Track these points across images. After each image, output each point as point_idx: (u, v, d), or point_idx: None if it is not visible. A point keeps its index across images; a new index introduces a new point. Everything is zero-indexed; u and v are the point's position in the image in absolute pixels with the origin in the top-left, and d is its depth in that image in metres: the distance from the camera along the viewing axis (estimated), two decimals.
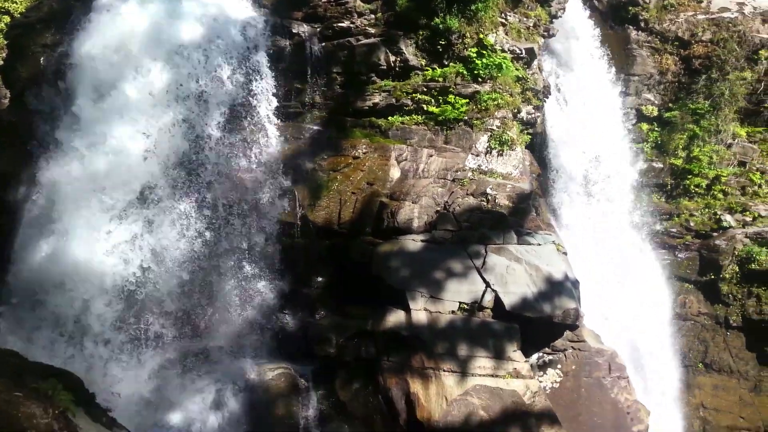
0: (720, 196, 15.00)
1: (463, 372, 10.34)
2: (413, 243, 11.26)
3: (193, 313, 11.10)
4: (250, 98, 11.52)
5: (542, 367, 11.45)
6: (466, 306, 10.69)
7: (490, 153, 12.08)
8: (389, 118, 12.20)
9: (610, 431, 11.49)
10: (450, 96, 12.03)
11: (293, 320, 11.55)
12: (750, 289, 14.60)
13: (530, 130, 13.06)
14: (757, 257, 14.23)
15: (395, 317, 10.73)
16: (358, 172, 11.92)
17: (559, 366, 11.52)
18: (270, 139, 11.68)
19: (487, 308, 10.68)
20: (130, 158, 10.74)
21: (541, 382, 11.20)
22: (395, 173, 11.90)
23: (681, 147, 14.87)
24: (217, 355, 11.18)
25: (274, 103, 11.82)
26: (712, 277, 14.75)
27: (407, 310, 10.67)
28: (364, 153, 12.01)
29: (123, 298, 10.50)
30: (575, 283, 11.17)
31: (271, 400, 10.66)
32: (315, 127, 12.29)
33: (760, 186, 15.23)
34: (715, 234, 14.89)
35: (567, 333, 11.31)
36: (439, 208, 11.60)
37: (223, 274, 11.30)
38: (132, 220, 10.71)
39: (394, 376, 10.51)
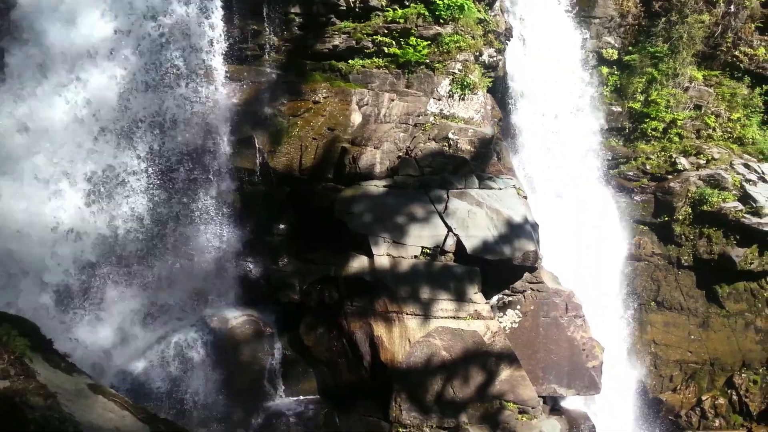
0: (676, 139, 15.24)
1: (426, 315, 10.54)
2: (375, 188, 11.25)
3: (154, 263, 10.95)
4: (203, 39, 11.04)
5: (502, 308, 11.72)
6: (428, 250, 10.80)
7: (452, 97, 12.00)
8: (350, 61, 11.95)
9: (566, 367, 11.92)
10: (411, 38, 11.82)
11: (256, 268, 11.53)
12: (701, 229, 15.07)
13: (492, 74, 12.97)
14: (709, 199, 14.64)
15: (358, 262, 10.80)
16: (319, 117, 11.73)
17: (518, 307, 11.81)
18: (225, 82, 11.32)
19: (449, 252, 10.82)
20: (77, 108, 10.28)
21: (501, 322, 11.49)
22: (357, 118, 11.75)
23: (639, 91, 14.97)
24: (181, 304, 11.13)
25: (228, 45, 11.36)
26: (666, 218, 15.15)
27: (370, 255, 10.74)
28: (325, 97, 11.79)
29: (80, 248, 10.26)
30: (534, 226, 11.36)
31: (235, 347, 10.74)
32: (273, 71, 11.98)
33: (714, 129, 15.53)
34: (670, 177, 15.21)
35: (526, 275, 11.55)
36: (401, 154, 11.56)
37: (183, 223, 11.12)
38: (83, 170, 10.35)
39: (357, 321, 10.66)
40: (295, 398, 11.06)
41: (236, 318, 10.90)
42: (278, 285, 11.20)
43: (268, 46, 11.95)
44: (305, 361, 11.22)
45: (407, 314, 10.51)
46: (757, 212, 14.66)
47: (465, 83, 11.89)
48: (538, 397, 11.22)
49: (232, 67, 11.59)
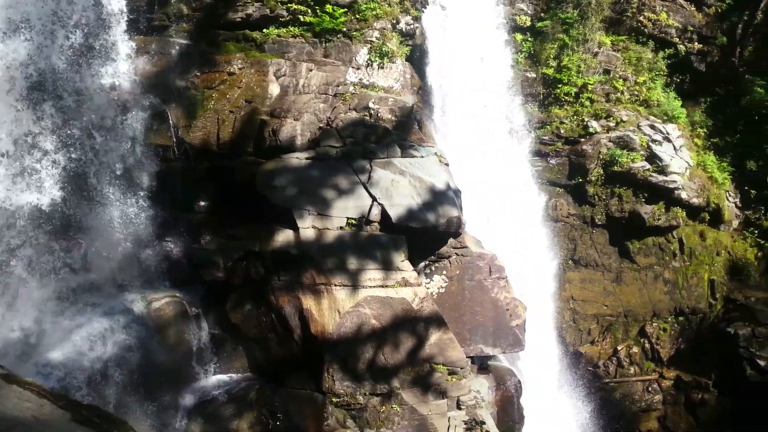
0: (587, 103, 15.82)
1: (354, 285, 10.57)
2: (297, 161, 11.09)
3: (69, 247, 10.39)
4: (106, 9, 10.40)
5: (429, 274, 11.92)
6: (353, 221, 10.79)
7: (371, 66, 11.93)
8: (264, 30, 11.64)
9: (492, 328, 12.31)
10: (327, 5, 11.63)
11: (177, 247, 11.14)
12: (613, 189, 15.82)
13: (410, 42, 12.97)
14: (619, 159, 15.35)
15: (283, 236, 10.67)
16: (235, 89, 11.38)
17: (444, 272, 12.04)
18: (131, 55, 10.74)
19: (375, 222, 10.85)
20: None
21: (428, 288, 11.69)
22: (274, 89, 11.49)
23: (552, 56, 15.39)
24: (101, 288, 10.64)
25: (133, 15, 10.77)
26: (580, 180, 15.79)
27: (295, 228, 10.62)
28: (240, 69, 11.45)
29: None
30: (457, 192, 11.55)
31: (160, 330, 10.40)
32: (183, 41, 11.48)
33: (622, 93, 16.21)
34: (582, 140, 15.81)
35: (451, 240, 11.77)
36: (322, 125, 11.42)
37: (96, 205, 10.58)
38: None
39: (285, 295, 10.56)
40: (225, 377, 10.89)
41: (159, 300, 10.53)
42: (201, 263, 10.90)
43: (175, 15, 11.41)
44: (234, 339, 11.03)
45: (335, 285, 10.50)
46: (662, 171, 15.51)
47: (383, 52, 11.84)
48: (466, 357, 11.55)
49: (139, 38, 11.01)
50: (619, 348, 16.42)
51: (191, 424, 10.17)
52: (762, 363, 15.21)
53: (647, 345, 16.65)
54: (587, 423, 14.73)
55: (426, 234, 11.11)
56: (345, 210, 10.77)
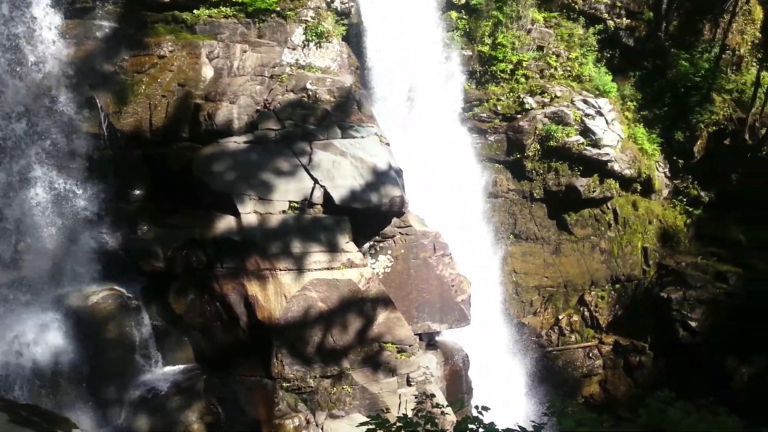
0: (522, 80, 16.06)
1: (300, 269, 10.48)
2: (235, 145, 10.86)
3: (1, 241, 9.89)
4: None
5: (374, 254, 11.94)
6: (296, 204, 10.67)
7: (307, 46, 11.73)
8: (195, 11, 11.25)
9: (438, 304, 12.48)
10: None
11: (113, 238, 10.75)
12: (549, 164, 16.18)
13: (345, 21, 12.80)
14: (555, 134, 15.70)
15: (224, 223, 10.45)
16: (166, 73, 10.99)
17: (389, 252, 12.09)
18: (55, 39, 10.20)
19: (318, 204, 10.76)
20: None
21: (373, 268, 11.72)
22: (208, 72, 11.16)
23: (487, 34, 15.51)
24: (36, 284, 10.18)
25: None
26: (518, 156, 16.08)
27: (236, 214, 10.42)
28: (171, 51, 11.05)
29: None
30: (399, 172, 11.57)
31: (99, 325, 10.07)
32: (109, 24, 10.96)
33: (555, 69, 16.53)
34: (519, 116, 16.07)
35: (394, 219, 11.81)
36: (259, 107, 11.18)
37: (25, 197, 10.08)
38: None
39: (229, 282, 10.38)
40: (171, 368, 10.65)
41: (96, 294, 10.17)
42: (139, 254, 10.56)
43: None
44: (178, 330, 10.79)
45: (281, 270, 10.39)
46: (596, 144, 15.97)
47: (319, 31, 11.65)
48: (415, 335, 11.68)
49: (63, 21, 10.45)
50: (560, 317, 16.94)
51: (137, 419, 9.92)
52: (693, 324, 16.01)
53: (586, 313, 17.25)
54: (532, 391, 15.18)
55: (370, 214, 11.10)
56: (287, 193, 10.63)
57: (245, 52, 11.32)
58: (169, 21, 11.19)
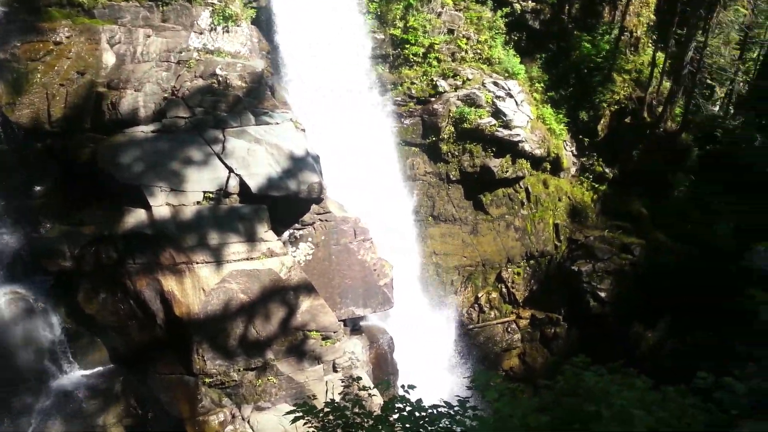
0: (435, 63, 16.21)
1: (218, 261, 10.21)
2: (143, 134, 10.40)
3: None
4: None
5: (294, 242, 11.80)
6: (211, 194, 10.36)
7: (215, 30, 11.35)
8: None
9: (361, 289, 12.51)
10: None
11: (14, 237, 10.07)
12: (464, 146, 16.46)
13: (254, 5, 12.47)
14: (468, 117, 15.98)
15: (135, 217, 10.01)
16: (63, 60, 10.33)
17: (310, 239, 11.98)
18: None
19: (234, 193, 10.50)
20: None
21: (294, 256, 11.59)
22: (109, 59, 10.59)
23: (398, 17, 15.53)
24: None
25: None
26: (434, 139, 16.26)
27: (147, 207, 10.00)
28: (68, 37, 10.39)
29: None
30: (316, 158, 11.46)
31: (4, 330, 9.44)
32: None
33: (466, 52, 16.78)
34: (432, 99, 16.23)
35: (314, 206, 11.70)
36: (166, 94, 10.76)
37: None
38: None
39: (143, 278, 9.97)
40: (86, 371, 10.15)
41: None
42: (43, 253, 9.95)
43: None
44: (91, 331, 10.29)
45: (197, 263, 10.08)
46: (507, 125, 16.39)
47: (226, 15, 11.29)
48: (339, 321, 11.67)
49: None
50: (479, 295, 17.40)
51: (50, 427, 9.40)
52: (602, 294, 16.86)
53: (504, 289, 17.80)
54: (456, 367, 15.54)
55: (288, 202, 10.94)
56: (200, 183, 10.30)
57: (149, 37, 10.81)
58: (64, 5, 10.52)
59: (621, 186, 19.01)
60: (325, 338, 11.09)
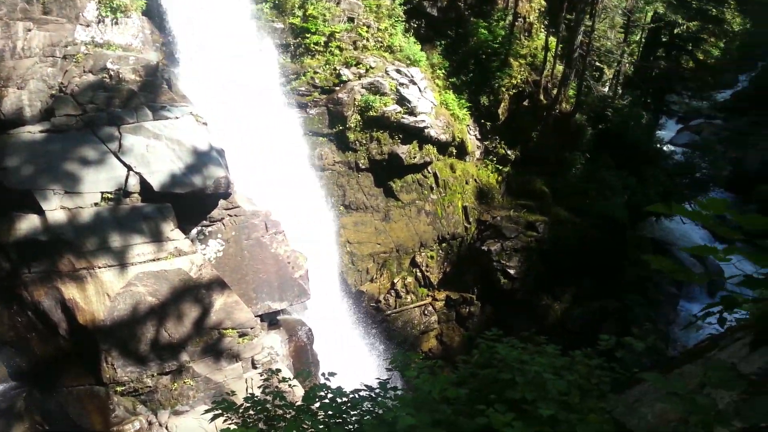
0: (337, 51, 16.14)
1: (122, 264, 9.76)
2: (30, 135, 9.75)
3: None
4: None
5: (203, 239, 11.45)
6: (110, 195, 9.88)
7: (103, 22, 10.75)
8: None
9: (276, 283, 12.33)
10: None
11: None
12: (371, 134, 16.54)
13: None
14: (373, 105, 16.05)
15: (27, 223, 9.39)
16: None
17: (219, 235, 11.67)
18: None
19: (134, 193, 10.05)
20: None
21: (204, 254, 11.25)
22: None
23: (297, 6, 15.31)
24: None
25: None
26: (340, 128, 16.22)
27: (40, 212, 9.40)
28: None
29: None
30: (220, 152, 11.15)
31: None
32: None
33: (367, 40, 16.82)
34: (337, 88, 16.17)
35: (222, 202, 11.40)
36: (53, 92, 10.11)
37: None
38: None
39: (41, 287, 9.39)
40: None
41: None
42: None
43: None
44: None
45: (100, 268, 9.59)
46: (412, 112, 16.60)
47: (114, 6, 10.72)
48: (255, 316, 11.47)
49: None
50: (395, 281, 17.59)
51: None
52: (512, 271, 17.51)
53: (419, 273, 18.10)
54: (376, 354, 15.68)
55: (194, 198, 10.60)
56: (97, 184, 9.79)
57: (29, 30, 10.09)
58: None
59: (523, 166, 19.76)
60: (242, 335, 10.87)
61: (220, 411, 4.77)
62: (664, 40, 28.23)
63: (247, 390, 10.17)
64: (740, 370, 3.62)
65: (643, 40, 27.03)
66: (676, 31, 27.07)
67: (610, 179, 20.04)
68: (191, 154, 10.61)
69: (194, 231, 11.33)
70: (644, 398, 3.91)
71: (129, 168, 9.96)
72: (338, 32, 15.97)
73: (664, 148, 27.67)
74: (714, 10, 25.88)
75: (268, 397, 4.90)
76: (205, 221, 11.45)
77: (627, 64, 24.87)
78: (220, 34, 12.89)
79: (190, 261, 10.38)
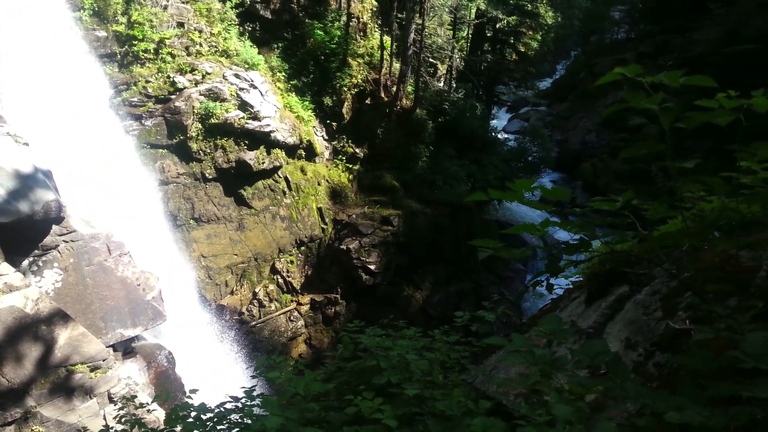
0: (169, 59, 15.39)
1: None
2: None
3: None
4: None
5: (36, 271, 10.42)
6: None
7: None
8: None
9: (126, 308, 11.53)
10: None
11: None
12: (215, 142, 16.01)
13: None
14: (214, 111, 15.54)
15: None
16: None
17: (56, 264, 10.68)
18: None
19: None
20: None
21: (40, 287, 10.25)
22: None
23: (120, 12, 14.38)
24: None
25: None
26: (181, 138, 15.51)
27: None
28: None
29: None
30: (47, 174, 10.22)
31: None
32: None
33: (201, 45, 16.24)
34: (173, 96, 15.44)
35: (55, 227, 10.44)
36: None
37: None
38: None
39: None
40: None
41: None
42: None
43: None
44: None
45: None
46: (255, 117, 16.33)
47: None
48: (107, 347, 10.65)
49: None
50: (256, 290, 17.23)
51: None
52: (372, 267, 17.83)
53: (281, 280, 17.86)
54: (244, 366, 15.24)
55: (21, 227, 9.62)
56: None
57: None
58: None
59: (372, 163, 20.22)
60: (93, 369, 10.04)
61: None
62: (488, 34, 30.21)
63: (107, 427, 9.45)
64: (579, 326, 3.96)
65: (470, 35, 28.70)
66: (498, 26, 29.05)
67: (453, 169, 21.07)
68: (13, 178, 9.60)
69: (25, 262, 10.28)
70: (500, 365, 4.16)
71: None
72: (168, 38, 15.27)
73: (499, 136, 29.66)
74: (529, 5, 28.09)
75: (126, 427, 4.57)
76: (37, 250, 10.42)
77: (458, 59, 26.26)
78: (36, 45, 11.78)
79: (23, 296, 9.39)
